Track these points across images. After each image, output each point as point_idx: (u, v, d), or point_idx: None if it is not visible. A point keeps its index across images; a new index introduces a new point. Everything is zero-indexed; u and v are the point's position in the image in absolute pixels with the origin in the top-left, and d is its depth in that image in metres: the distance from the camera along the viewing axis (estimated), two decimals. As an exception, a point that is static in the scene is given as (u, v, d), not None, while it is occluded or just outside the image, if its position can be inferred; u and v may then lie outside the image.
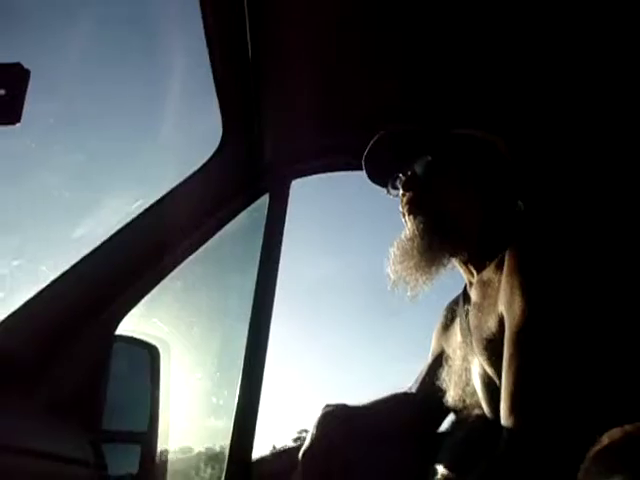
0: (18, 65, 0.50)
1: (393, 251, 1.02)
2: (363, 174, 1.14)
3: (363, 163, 1.11)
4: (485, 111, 1.19)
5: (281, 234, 1.27)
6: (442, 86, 1.16)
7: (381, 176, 1.12)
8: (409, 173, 1.05)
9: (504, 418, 0.79)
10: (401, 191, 1.05)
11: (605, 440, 0.67)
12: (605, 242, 1.00)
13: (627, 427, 0.67)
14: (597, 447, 0.67)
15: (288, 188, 1.31)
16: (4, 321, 0.91)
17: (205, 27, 0.96)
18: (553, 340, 0.81)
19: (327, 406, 1.07)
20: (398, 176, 1.07)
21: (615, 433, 0.67)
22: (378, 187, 1.14)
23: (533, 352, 0.81)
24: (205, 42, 1.00)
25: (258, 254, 1.25)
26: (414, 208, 1.03)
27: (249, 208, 1.27)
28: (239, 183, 1.25)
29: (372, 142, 1.08)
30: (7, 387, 0.84)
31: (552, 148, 1.25)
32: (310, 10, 0.99)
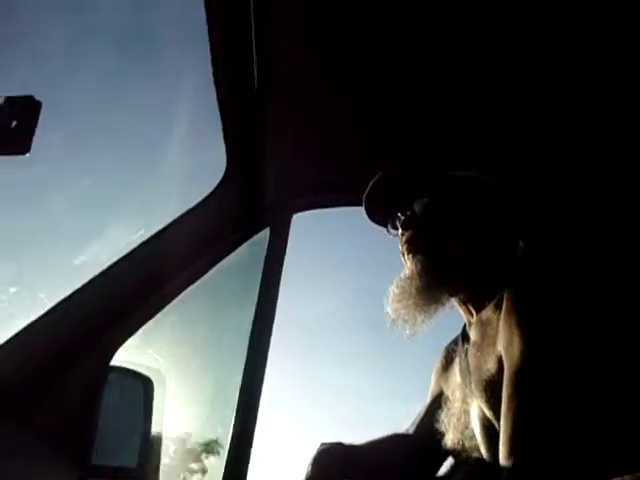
0: (30, 97, 0.51)
1: (392, 289, 1.03)
2: (363, 210, 1.16)
3: (363, 203, 1.13)
4: (484, 153, 1.22)
5: (281, 268, 1.28)
6: (441, 126, 1.19)
7: (381, 216, 1.14)
8: (408, 213, 1.07)
9: (503, 461, 0.77)
10: (400, 230, 1.07)
11: None
12: (604, 284, 1.00)
13: (626, 477, 0.65)
14: None
15: (289, 223, 1.32)
16: (-2, 349, 0.91)
17: (212, 64, 0.99)
18: (552, 383, 0.80)
19: (323, 444, 1.06)
20: (397, 216, 1.09)
21: None
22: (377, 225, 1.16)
23: (532, 395, 0.80)
24: (211, 79, 1.03)
25: (257, 288, 1.25)
26: (413, 247, 1.04)
27: (249, 241, 1.28)
28: (240, 216, 1.26)
29: (372, 183, 1.11)
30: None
31: (550, 190, 1.27)
32: (313, 49, 1.03)
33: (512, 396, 0.81)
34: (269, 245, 1.27)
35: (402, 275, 1.04)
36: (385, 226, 1.14)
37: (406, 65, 1.06)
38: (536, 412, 0.79)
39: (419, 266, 1.01)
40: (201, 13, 0.91)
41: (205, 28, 0.93)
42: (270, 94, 1.08)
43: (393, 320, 1.02)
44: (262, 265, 1.27)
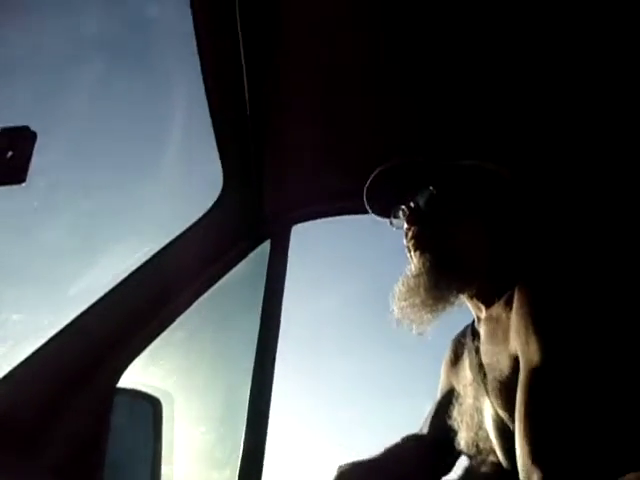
0: (26, 128, 0.51)
1: (398, 287, 0.99)
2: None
3: (365, 194, 1.08)
4: (488, 143, 1.17)
5: (283, 279, 1.27)
6: (443, 128, 1.17)
7: (383, 208, 1.09)
8: (412, 205, 1.03)
9: (522, 465, 0.75)
10: (405, 225, 1.03)
11: None
12: (619, 277, 0.97)
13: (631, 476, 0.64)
14: None
15: (289, 234, 1.32)
16: (5, 377, 0.90)
17: (204, 79, 0.99)
18: (571, 383, 0.77)
19: (341, 467, 1.02)
20: (401, 208, 1.05)
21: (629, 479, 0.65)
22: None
23: (551, 397, 0.77)
24: (204, 93, 1.03)
25: (260, 300, 1.25)
26: (419, 243, 0.99)
27: (251, 254, 1.28)
28: (240, 231, 1.26)
29: (374, 174, 1.06)
30: (5, 447, 0.81)
31: (561, 178, 1.24)
32: (306, 61, 1.03)
33: (529, 397, 0.78)
34: (270, 257, 1.27)
35: (408, 272, 0.99)
36: (388, 218, 1.08)
37: (405, 64, 1.04)
38: (556, 415, 0.76)
39: (426, 263, 0.96)
40: (190, 28, 0.91)
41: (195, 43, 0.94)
42: (264, 106, 1.08)
43: (399, 320, 0.98)
44: (264, 277, 1.27)
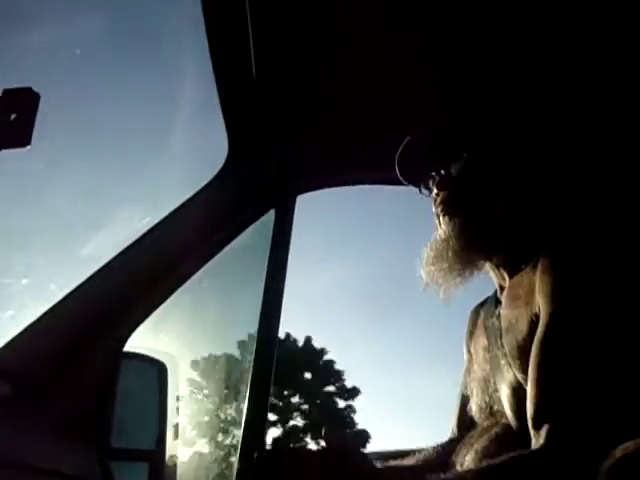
0: (28, 89, 0.51)
1: (427, 252, 1.00)
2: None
3: (396, 162, 1.08)
4: (510, 113, 1.16)
5: (287, 248, 1.28)
6: (453, 93, 1.16)
7: (413, 176, 1.08)
8: (443, 172, 1.03)
9: (531, 422, 0.78)
10: (435, 191, 1.03)
11: (618, 454, 0.66)
12: (636, 246, 0.98)
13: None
14: (610, 461, 0.67)
15: (294, 203, 1.31)
16: (15, 339, 0.92)
17: (209, 43, 0.98)
18: (583, 345, 0.80)
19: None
20: (432, 176, 1.05)
21: (628, 447, 0.67)
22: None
23: (562, 356, 0.80)
24: (211, 61, 1.02)
25: (265, 269, 1.26)
26: (449, 208, 1.00)
27: (255, 223, 1.28)
28: (245, 199, 1.26)
29: (405, 142, 1.06)
30: (16, 405, 0.84)
31: (586, 154, 1.22)
32: (313, 25, 1.01)
33: (543, 350, 0.81)
34: (275, 226, 1.28)
35: (437, 237, 1.00)
36: (418, 187, 1.08)
37: (410, 31, 1.03)
38: (567, 367, 0.79)
39: (456, 228, 0.97)
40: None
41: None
42: (270, 74, 1.06)
43: (427, 283, 0.99)
44: (269, 246, 1.28)
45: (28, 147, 0.50)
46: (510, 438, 0.86)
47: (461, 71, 1.12)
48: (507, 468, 0.75)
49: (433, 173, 1.04)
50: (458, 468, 0.90)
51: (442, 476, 0.79)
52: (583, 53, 1.07)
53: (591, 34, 1.02)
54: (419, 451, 1.08)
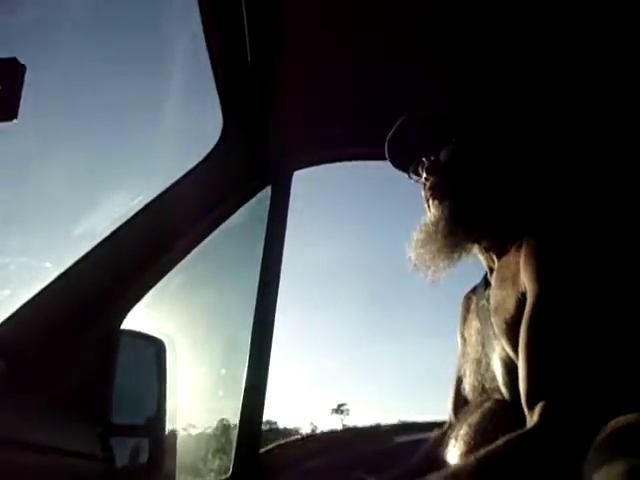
0: (13, 60, 0.49)
1: (416, 235, 1.02)
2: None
3: (386, 146, 1.09)
4: (500, 97, 1.17)
5: (284, 225, 1.27)
6: (451, 73, 1.14)
7: (403, 160, 1.10)
8: (432, 158, 1.04)
9: (524, 397, 0.79)
10: (424, 176, 1.04)
11: (608, 429, 0.67)
12: (624, 227, 1.00)
13: (630, 416, 0.67)
14: (601, 436, 0.67)
15: (290, 180, 1.30)
16: (11, 317, 0.92)
17: (203, 20, 0.96)
18: (570, 321, 0.81)
19: None
20: (421, 161, 1.06)
21: (618, 422, 0.67)
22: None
23: (551, 332, 0.81)
24: (204, 35, 0.99)
25: (261, 246, 1.25)
26: (438, 193, 1.02)
27: (252, 200, 1.27)
28: (241, 176, 1.24)
29: (396, 125, 1.07)
30: (16, 382, 0.84)
31: (573, 134, 1.23)
32: (309, 2, 0.98)
33: (531, 328, 0.82)
34: (271, 203, 1.27)
35: (426, 221, 1.02)
36: (407, 171, 1.10)
37: (409, 11, 1.01)
38: (555, 351, 0.80)
39: (445, 211, 0.99)
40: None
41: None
42: (265, 48, 1.04)
43: (415, 265, 1.01)
44: (265, 223, 1.27)
45: (15, 121, 0.48)
46: (501, 412, 0.88)
47: (457, 54, 1.11)
48: (505, 452, 0.76)
49: (423, 158, 1.05)
50: (453, 442, 0.91)
51: (442, 472, 0.79)
52: (577, 40, 1.06)
53: (584, 23, 1.02)
54: (439, 424, 1.11)
